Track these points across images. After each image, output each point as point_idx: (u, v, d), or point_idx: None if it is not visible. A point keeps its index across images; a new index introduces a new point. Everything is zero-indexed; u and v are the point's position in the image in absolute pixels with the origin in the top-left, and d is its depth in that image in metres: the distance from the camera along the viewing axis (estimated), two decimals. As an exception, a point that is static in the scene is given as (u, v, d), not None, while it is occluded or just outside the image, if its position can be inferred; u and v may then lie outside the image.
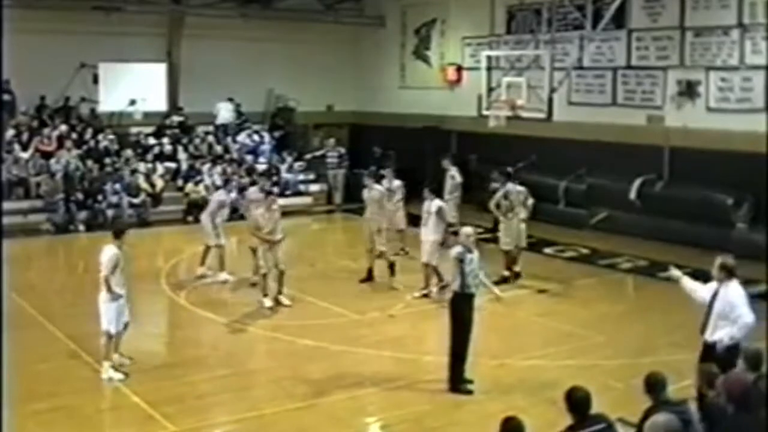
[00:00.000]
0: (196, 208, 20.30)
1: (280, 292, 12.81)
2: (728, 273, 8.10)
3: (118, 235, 10.04)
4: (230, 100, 23.46)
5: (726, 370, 6.50)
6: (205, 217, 14.63)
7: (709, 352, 7.86)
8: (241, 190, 17.01)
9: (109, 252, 9.73)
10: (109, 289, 9.69)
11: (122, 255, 9.83)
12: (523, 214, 14.27)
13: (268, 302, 12.62)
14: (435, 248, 13.27)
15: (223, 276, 14.27)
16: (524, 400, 9.05)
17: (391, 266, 14.05)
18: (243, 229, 19.60)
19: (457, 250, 9.54)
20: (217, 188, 20.77)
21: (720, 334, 7.85)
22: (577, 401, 5.74)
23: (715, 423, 5.80)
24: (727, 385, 5.91)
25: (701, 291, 8.35)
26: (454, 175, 17.21)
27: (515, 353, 10.61)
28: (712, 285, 8.19)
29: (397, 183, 15.93)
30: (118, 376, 9.60)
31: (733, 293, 7.96)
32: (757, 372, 6.41)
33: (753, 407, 5.75)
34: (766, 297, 12.87)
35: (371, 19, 25.48)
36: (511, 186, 14.42)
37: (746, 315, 7.83)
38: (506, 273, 14.14)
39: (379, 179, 15.28)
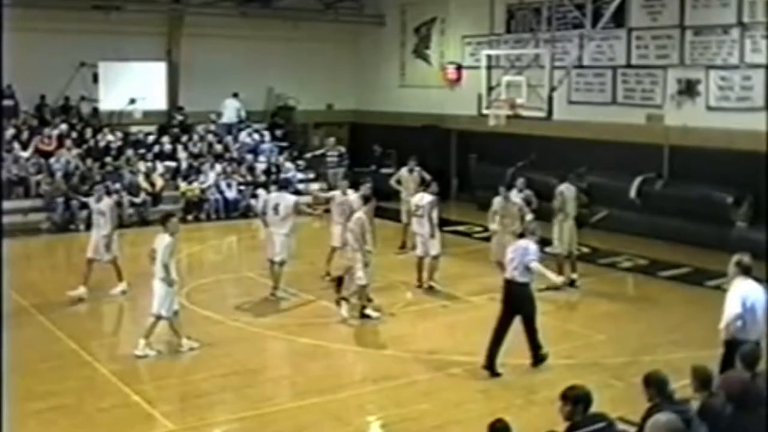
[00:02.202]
0: (194, 206, 20.44)
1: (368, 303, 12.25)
2: (741, 269, 8.07)
3: (165, 222, 10.57)
4: (235, 95, 23.42)
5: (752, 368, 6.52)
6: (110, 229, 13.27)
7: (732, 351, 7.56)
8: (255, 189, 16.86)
9: (164, 240, 10.26)
10: (168, 275, 10.22)
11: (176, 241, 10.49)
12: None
13: (374, 313, 12.03)
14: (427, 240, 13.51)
15: (120, 287, 13.30)
16: (524, 399, 9.06)
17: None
18: (242, 229, 19.79)
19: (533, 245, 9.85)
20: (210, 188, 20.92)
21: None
22: (577, 399, 5.73)
23: (712, 422, 5.80)
24: (725, 384, 5.91)
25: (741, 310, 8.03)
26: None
27: (515, 352, 10.60)
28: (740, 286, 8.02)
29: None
30: (152, 353, 10.32)
31: (732, 291, 7.93)
32: (754, 370, 6.41)
33: (752, 406, 5.75)
34: (766, 296, 12.86)
35: (371, 17, 25.48)
36: (564, 187, 14.07)
37: (726, 313, 7.83)
38: (561, 279, 13.94)
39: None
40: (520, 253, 9.80)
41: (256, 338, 11.36)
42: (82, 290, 12.90)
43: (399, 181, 16.95)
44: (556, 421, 7.00)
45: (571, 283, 13.95)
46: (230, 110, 23.61)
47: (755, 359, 6.48)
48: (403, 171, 16.91)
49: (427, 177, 16.57)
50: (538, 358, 10.02)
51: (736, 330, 7.74)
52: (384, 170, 21.78)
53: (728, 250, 15.94)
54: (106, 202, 13.53)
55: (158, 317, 10.35)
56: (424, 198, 13.66)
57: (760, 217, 16.34)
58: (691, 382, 6.18)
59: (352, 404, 9.10)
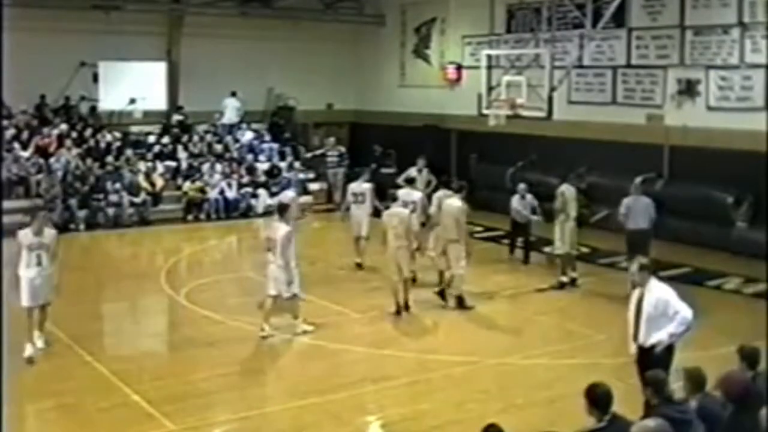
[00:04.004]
0: (195, 206, 20.44)
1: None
2: (649, 272, 7.87)
3: (282, 212, 11.32)
4: (234, 94, 23.40)
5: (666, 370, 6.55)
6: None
7: (645, 356, 7.60)
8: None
9: (282, 229, 10.93)
10: (289, 262, 10.89)
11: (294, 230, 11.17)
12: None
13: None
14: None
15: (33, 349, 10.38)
16: (524, 399, 9.06)
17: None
18: (242, 229, 19.79)
19: None
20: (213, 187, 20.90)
21: (657, 335, 7.64)
22: (598, 397, 5.71)
23: (710, 423, 5.80)
24: (726, 383, 5.91)
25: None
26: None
27: (515, 352, 10.62)
28: (636, 293, 7.93)
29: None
30: (310, 327, 11.16)
31: (662, 291, 7.79)
32: (755, 370, 6.42)
33: (752, 406, 5.75)
34: (766, 296, 12.90)
35: (371, 17, 25.47)
36: (564, 187, 14.00)
37: (684, 309, 7.66)
38: (564, 279, 13.94)
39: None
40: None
41: (256, 338, 11.34)
42: (29, 350, 10.06)
43: (407, 180, 16.80)
44: (556, 421, 7.02)
45: (572, 283, 13.96)
46: (231, 110, 23.62)
47: (757, 359, 6.48)
48: (412, 171, 16.86)
49: (433, 178, 16.60)
50: None
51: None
52: (384, 170, 21.79)
53: (728, 250, 16.17)
54: (50, 234, 10.40)
55: (276, 297, 10.99)
56: (362, 185, 14.98)
57: (760, 217, 16.34)
58: (683, 385, 6.15)
59: (352, 404, 9.09)
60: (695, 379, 6.14)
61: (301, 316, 11.30)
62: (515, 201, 15.83)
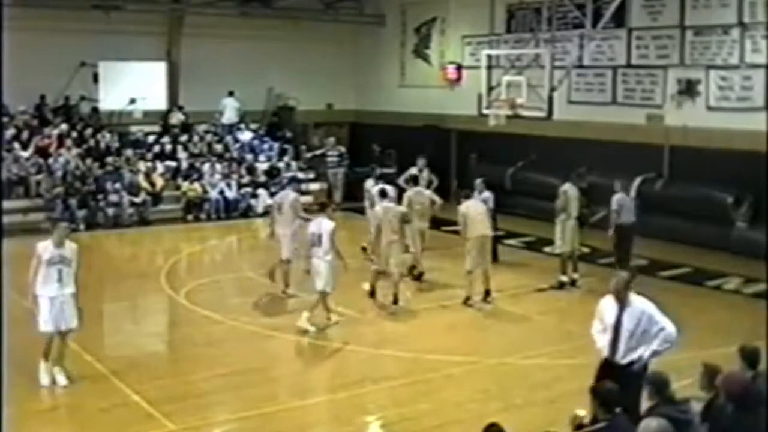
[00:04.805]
0: (194, 206, 20.45)
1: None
2: (630, 287, 7.37)
3: (323, 208, 11.75)
4: (231, 94, 23.38)
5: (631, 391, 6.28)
6: None
7: (612, 373, 6.99)
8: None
9: (327, 224, 11.25)
10: (338, 254, 11.34)
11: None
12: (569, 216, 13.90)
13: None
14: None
15: None
16: (524, 399, 9.06)
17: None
18: (242, 229, 19.77)
19: None
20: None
21: (638, 353, 7.14)
22: (604, 396, 5.70)
23: (714, 423, 5.80)
24: (726, 383, 5.91)
25: (602, 327, 7.48)
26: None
27: (515, 352, 10.62)
28: (608, 305, 7.41)
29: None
30: (312, 328, 11.19)
31: (645, 306, 7.24)
32: (755, 370, 6.41)
33: (752, 406, 5.75)
34: (766, 296, 12.90)
35: (371, 17, 25.47)
36: (567, 186, 14.03)
37: (669, 325, 7.14)
38: (564, 279, 13.92)
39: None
40: None
41: (256, 338, 11.36)
42: (46, 380, 9.27)
43: (408, 180, 16.82)
44: (556, 421, 7.02)
45: (573, 283, 13.96)
46: (230, 110, 23.62)
47: (757, 359, 6.48)
48: (413, 171, 16.84)
49: (434, 178, 16.62)
50: None
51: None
52: (384, 170, 21.76)
53: (728, 250, 16.17)
54: (71, 247, 9.38)
55: (324, 293, 11.29)
56: (289, 195, 13.60)
57: (760, 217, 16.35)
58: (700, 379, 6.17)
59: (352, 404, 9.10)
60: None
61: (312, 313, 11.40)
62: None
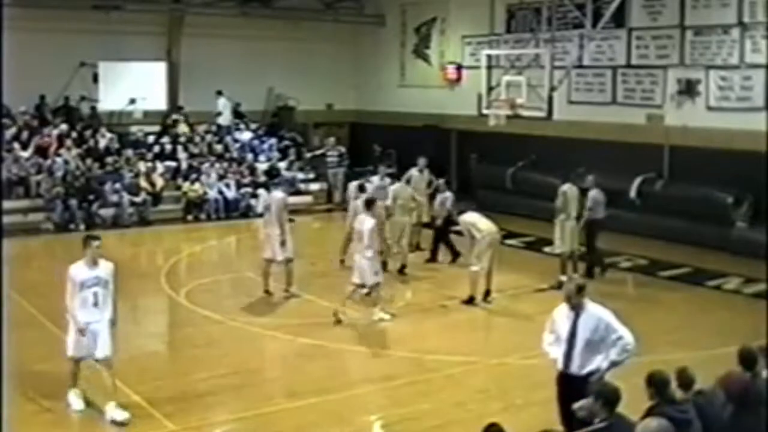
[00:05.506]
0: (195, 206, 20.45)
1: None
2: (584, 293, 7.07)
3: (369, 206, 12.19)
4: (220, 93, 23.29)
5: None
6: None
7: (572, 386, 6.78)
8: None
9: (369, 222, 11.76)
10: (374, 251, 11.83)
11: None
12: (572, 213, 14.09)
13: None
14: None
15: None
16: (523, 399, 9.06)
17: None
18: (242, 229, 19.77)
19: None
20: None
21: (596, 363, 6.87)
22: (607, 396, 5.69)
23: (707, 422, 5.81)
24: (726, 383, 5.91)
25: (553, 338, 7.23)
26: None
27: (515, 352, 10.61)
28: (562, 314, 7.15)
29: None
30: (387, 316, 11.90)
31: (602, 314, 6.96)
32: (753, 370, 6.41)
33: (752, 406, 5.76)
34: (766, 296, 12.90)
35: (371, 17, 25.48)
36: (566, 186, 14.09)
37: (627, 335, 6.89)
38: (563, 279, 13.93)
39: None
40: None
41: (256, 338, 11.37)
42: (77, 405, 8.81)
43: (409, 181, 16.84)
44: (556, 421, 7.02)
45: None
46: (225, 109, 23.61)
47: (754, 360, 6.47)
48: (413, 171, 16.87)
49: (434, 178, 16.66)
50: None
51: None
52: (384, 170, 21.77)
53: (728, 250, 16.17)
54: (106, 266, 8.63)
55: (360, 285, 11.86)
56: (277, 195, 13.38)
57: (760, 217, 16.35)
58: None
59: (352, 404, 9.10)
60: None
61: (381, 304, 12.01)
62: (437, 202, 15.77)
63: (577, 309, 6.99)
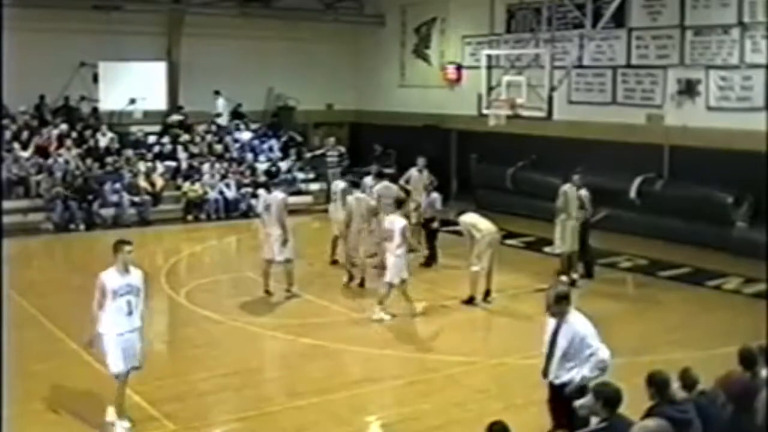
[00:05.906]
0: (195, 207, 20.45)
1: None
2: (567, 302, 6.98)
3: (400, 205, 12.59)
4: (218, 93, 23.30)
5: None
6: None
7: (557, 393, 6.94)
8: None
9: (400, 222, 12.04)
10: (410, 248, 12.31)
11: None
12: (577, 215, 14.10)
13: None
14: None
15: None
16: (523, 399, 9.05)
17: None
18: (242, 229, 19.77)
19: None
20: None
21: (570, 375, 6.87)
22: (608, 397, 5.69)
23: (711, 423, 5.81)
24: (726, 383, 5.92)
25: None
26: None
27: (514, 352, 10.61)
28: (551, 320, 7.07)
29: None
30: (387, 317, 11.88)
31: (581, 326, 6.91)
32: (752, 371, 6.41)
33: (752, 406, 5.76)
34: (766, 296, 12.90)
35: (371, 17, 25.49)
36: (566, 187, 14.09)
37: (602, 351, 6.85)
38: (564, 279, 13.82)
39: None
40: None
41: (256, 338, 11.37)
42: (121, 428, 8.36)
43: (408, 181, 16.86)
44: (556, 421, 7.02)
45: (572, 283, 13.93)
46: (224, 109, 23.60)
47: (753, 360, 6.48)
48: (413, 171, 16.88)
49: (434, 178, 16.68)
50: None
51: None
52: (384, 170, 21.78)
53: (728, 250, 16.17)
54: (137, 274, 8.25)
55: (391, 285, 11.96)
56: (278, 196, 13.29)
57: (760, 217, 16.35)
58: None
59: (352, 404, 9.10)
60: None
61: (386, 303, 12.04)
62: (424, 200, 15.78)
63: (558, 318, 6.97)
